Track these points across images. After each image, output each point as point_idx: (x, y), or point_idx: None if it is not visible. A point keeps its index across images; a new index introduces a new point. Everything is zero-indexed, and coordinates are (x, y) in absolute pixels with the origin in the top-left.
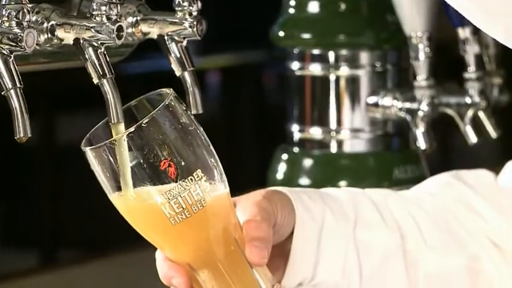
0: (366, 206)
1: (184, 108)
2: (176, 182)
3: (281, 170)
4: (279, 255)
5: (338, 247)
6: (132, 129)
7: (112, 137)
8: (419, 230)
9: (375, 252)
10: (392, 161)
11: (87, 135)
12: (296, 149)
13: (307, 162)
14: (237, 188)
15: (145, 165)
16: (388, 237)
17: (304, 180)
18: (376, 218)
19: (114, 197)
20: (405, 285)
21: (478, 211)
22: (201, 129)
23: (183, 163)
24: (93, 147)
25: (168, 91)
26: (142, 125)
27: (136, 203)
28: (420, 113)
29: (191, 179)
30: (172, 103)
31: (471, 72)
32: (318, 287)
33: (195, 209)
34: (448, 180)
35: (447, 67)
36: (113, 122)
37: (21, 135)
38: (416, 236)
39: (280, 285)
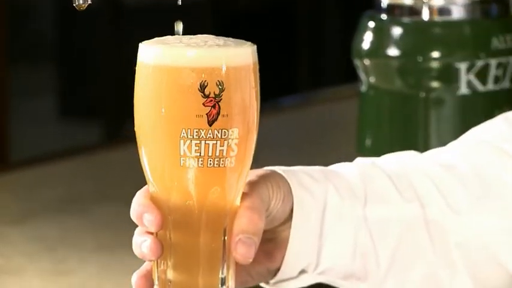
0: (377, 179)
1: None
2: (210, 126)
3: (367, 39)
4: (270, 240)
5: (345, 228)
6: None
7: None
8: (442, 195)
9: (392, 230)
10: (491, 30)
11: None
12: (384, 16)
13: (396, 31)
14: (317, 54)
15: (192, 85)
16: (404, 209)
17: (393, 51)
18: (389, 190)
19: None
20: (435, 260)
21: None
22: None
23: (225, 113)
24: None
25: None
26: (227, 64)
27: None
28: None
29: (224, 132)
30: (257, 64)
31: None
32: (327, 274)
33: (210, 164)
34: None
35: None
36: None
37: (80, 2)
38: (439, 202)
39: None
